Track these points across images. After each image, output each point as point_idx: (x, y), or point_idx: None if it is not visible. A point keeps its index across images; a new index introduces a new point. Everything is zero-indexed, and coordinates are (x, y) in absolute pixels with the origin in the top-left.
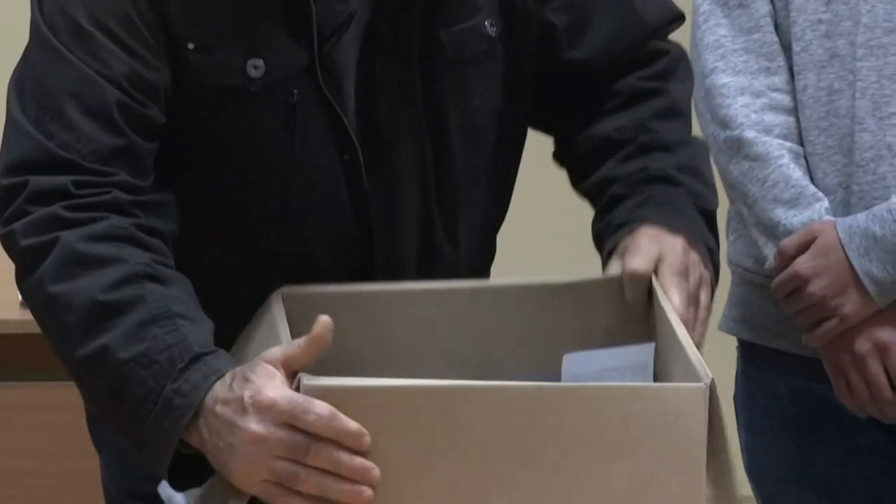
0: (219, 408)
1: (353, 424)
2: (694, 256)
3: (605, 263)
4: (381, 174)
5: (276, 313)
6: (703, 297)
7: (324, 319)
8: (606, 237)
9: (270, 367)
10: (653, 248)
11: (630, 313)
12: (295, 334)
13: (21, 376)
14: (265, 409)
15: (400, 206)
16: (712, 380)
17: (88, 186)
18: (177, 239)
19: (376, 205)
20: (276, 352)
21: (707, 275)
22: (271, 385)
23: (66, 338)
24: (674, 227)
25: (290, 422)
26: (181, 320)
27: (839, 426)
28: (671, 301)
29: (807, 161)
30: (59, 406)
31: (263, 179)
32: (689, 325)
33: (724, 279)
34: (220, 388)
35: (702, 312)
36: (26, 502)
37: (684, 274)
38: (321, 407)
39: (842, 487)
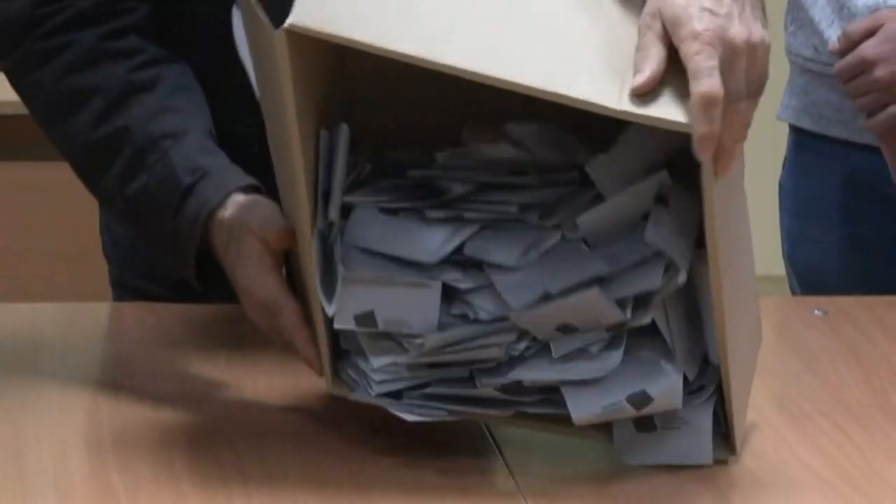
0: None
1: (309, 352)
2: None
3: None
4: None
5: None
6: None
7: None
8: None
9: (258, 246)
10: None
11: None
12: None
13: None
14: (244, 292)
15: None
16: None
17: (49, 3)
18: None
19: None
20: (266, 225)
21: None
22: (252, 273)
23: (79, 174)
24: None
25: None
26: (168, 141)
27: (888, 215)
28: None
29: None
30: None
31: None
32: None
33: (783, 69)
34: (215, 232)
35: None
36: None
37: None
38: (291, 311)
39: (882, 275)
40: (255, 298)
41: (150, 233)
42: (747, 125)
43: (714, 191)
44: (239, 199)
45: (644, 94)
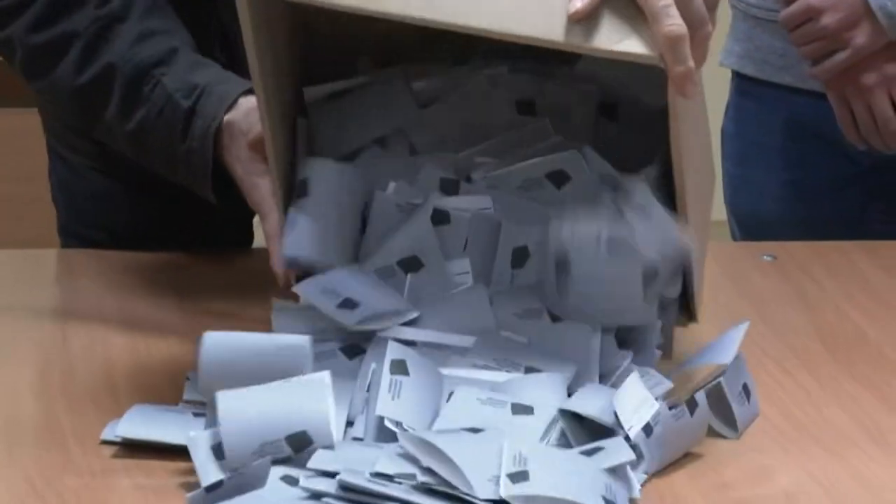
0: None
1: (277, 263)
2: None
3: None
4: None
5: None
6: None
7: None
8: None
9: (248, 150)
10: None
11: None
12: None
13: None
14: (243, 191)
15: None
16: None
17: None
18: None
19: None
20: (254, 129)
21: None
22: (244, 175)
23: (75, 120)
24: None
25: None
26: (158, 68)
27: (830, 161)
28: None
29: None
30: None
31: None
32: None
33: (725, 15)
34: (220, 138)
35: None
36: None
37: None
38: (272, 221)
39: (823, 222)
40: (249, 199)
41: (160, 160)
42: (709, 38)
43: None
44: (239, 102)
45: (582, 20)
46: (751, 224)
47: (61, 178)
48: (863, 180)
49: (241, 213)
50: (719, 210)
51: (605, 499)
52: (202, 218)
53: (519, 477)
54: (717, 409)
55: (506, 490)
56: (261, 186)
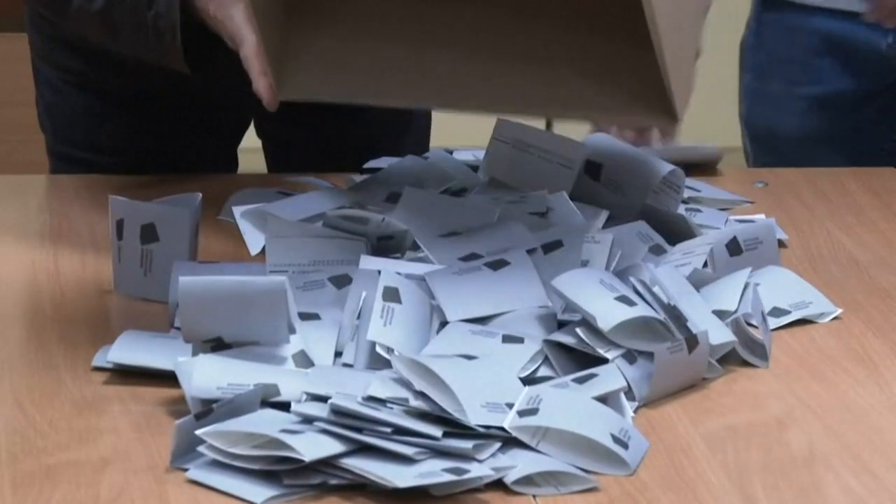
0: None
1: (262, 82)
2: None
3: None
4: None
5: None
6: None
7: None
8: None
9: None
10: None
11: None
12: None
13: None
14: (218, 25)
15: None
16: None
17: None
18: None
19: None
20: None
21: None
22: (218, 6)
23: (50, 14)
24: None
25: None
26: None
27: (851, 79)
28: None
29: None
30: None
31: None
32: None
33: None
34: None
35: None
36: None
37: None
38: (249, 45)
39: (840, 136)
40: (224, 32)
41: (129, 37)
42: None
43: None
44: None
45: None
46: (766, 139)
47: (47, 102)
48: (882, 97)
49: (225, 138)
50: (733, 136)
51: (614, 436)
52: (187, 138)
53: (528, 413)
54: (742, 339)
55: (512, 422)
56: (234, 16)
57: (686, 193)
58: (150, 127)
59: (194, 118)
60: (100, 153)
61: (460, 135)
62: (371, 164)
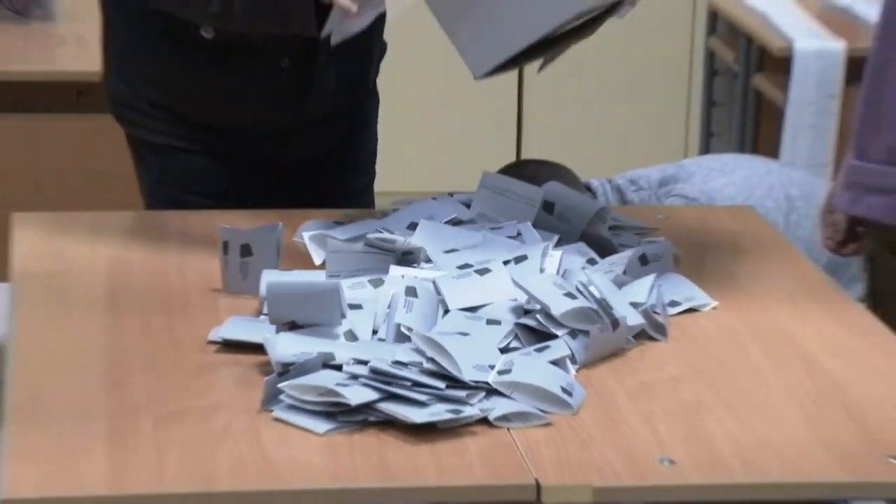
0: None
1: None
2: None
3: None
4: None
5: None
6: None
7: None
8: None
9: None
10: None
11: None
12: None
13: None
14: None
15: None
16: None
17: None
18: None
19: None
20: None
21: None
22: None
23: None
24: None
25: None
26: None
27: None
28: None
29: None
30: None
31: None
32: None
33: None
34: None
35: None
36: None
37: None
38: None
39: None
40: None
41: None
42: None
43: None
44: None
45: None
46: None
47: (140, 167)
48: None
49: (295, 195)
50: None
51: (562, 388)
52: (270, 190)
53: (504, 372)
54: (649, 321)
55: (493, 378)
56: None
57: (612, 223)
58: (241, 178)
59: (276, 176)
60: (211, 198)
61: (458, 184)
62: (397, 203)
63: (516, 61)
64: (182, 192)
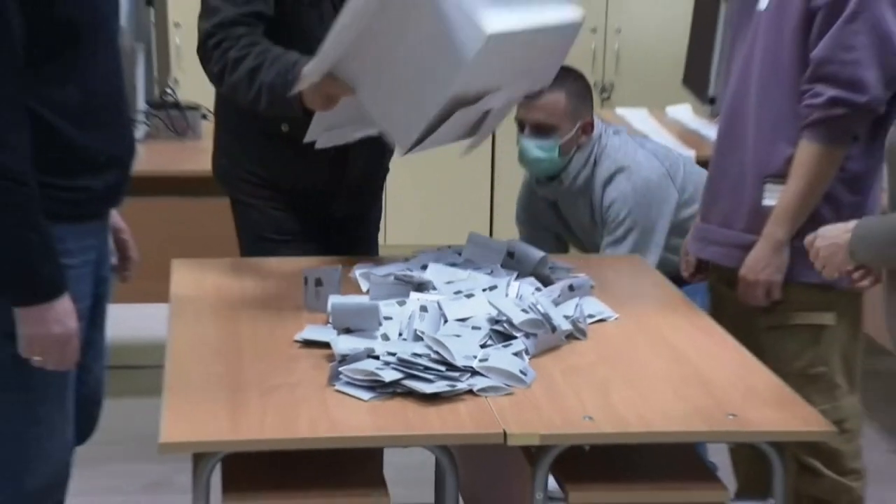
0: None
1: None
2: None
3: None
4: None
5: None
6: None
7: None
8: None
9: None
10: None
11: None
12: None
13: None
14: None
15: None
16: None
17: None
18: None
19: None
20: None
21: None
22: None
23: (247, 92)
24: None
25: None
26: (287, 56)
27: None
28: None
29: None
30: None
31: None
32: None
33: None
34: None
35: None
36: None
37: None
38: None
39: None
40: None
41: (279, 93)
42: None
43: None
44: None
45: None
46: None
47: (241, 227)
48: None
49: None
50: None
51: (520, 371)
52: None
53: (483, 360)
54: (574, 327)
55: (476, 364)
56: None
57: (550, 265)
58: (305, 227)
59: (326, 223)
60: (284, 238)
61: (453, 239)
62: (415, 252)
63: (439, 140)
64: (266, 233)
